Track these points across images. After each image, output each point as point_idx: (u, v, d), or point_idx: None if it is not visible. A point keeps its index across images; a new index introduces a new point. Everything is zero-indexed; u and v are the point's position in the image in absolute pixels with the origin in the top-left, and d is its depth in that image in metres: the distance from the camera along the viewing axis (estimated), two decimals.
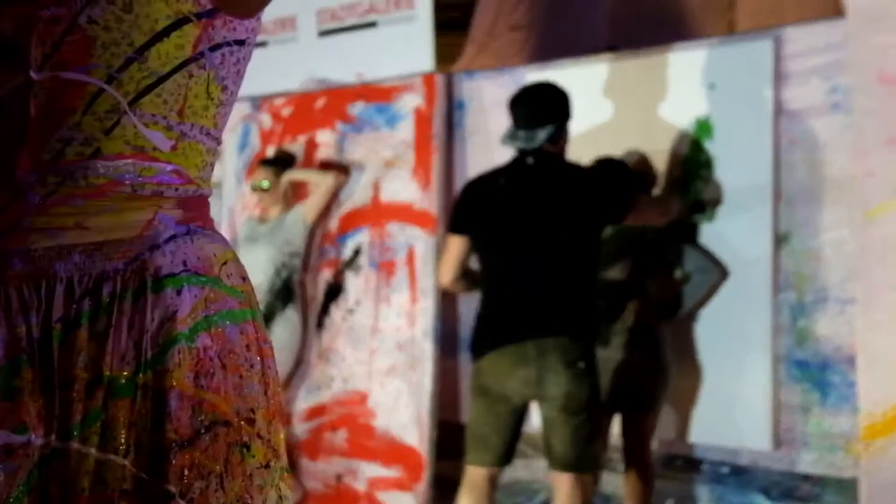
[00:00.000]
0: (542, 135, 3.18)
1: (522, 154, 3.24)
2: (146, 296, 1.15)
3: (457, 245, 3.32)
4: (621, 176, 3.39)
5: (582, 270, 3.18)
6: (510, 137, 3.27)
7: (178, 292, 1.17)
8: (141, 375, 1.13)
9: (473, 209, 3.30)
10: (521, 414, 3.25)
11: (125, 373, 1.13)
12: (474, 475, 3.25)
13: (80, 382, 1.13)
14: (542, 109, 3.21)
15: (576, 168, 3.30)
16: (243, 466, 1.17)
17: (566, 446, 3.12)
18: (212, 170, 1.28)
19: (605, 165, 3.49)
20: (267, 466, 1.20)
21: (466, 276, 3.42)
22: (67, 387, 1.13)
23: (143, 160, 1.17)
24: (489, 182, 3.32)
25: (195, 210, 1.24)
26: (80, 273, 1.14)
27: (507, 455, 3.26)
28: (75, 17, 1.11)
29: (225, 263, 1.24)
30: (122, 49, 1.13)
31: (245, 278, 1.27)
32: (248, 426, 1.18)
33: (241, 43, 1.23)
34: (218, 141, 1.26)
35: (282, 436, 1.25)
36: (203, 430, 1.14)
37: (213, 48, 1.19)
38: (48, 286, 1.14)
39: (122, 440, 1.12)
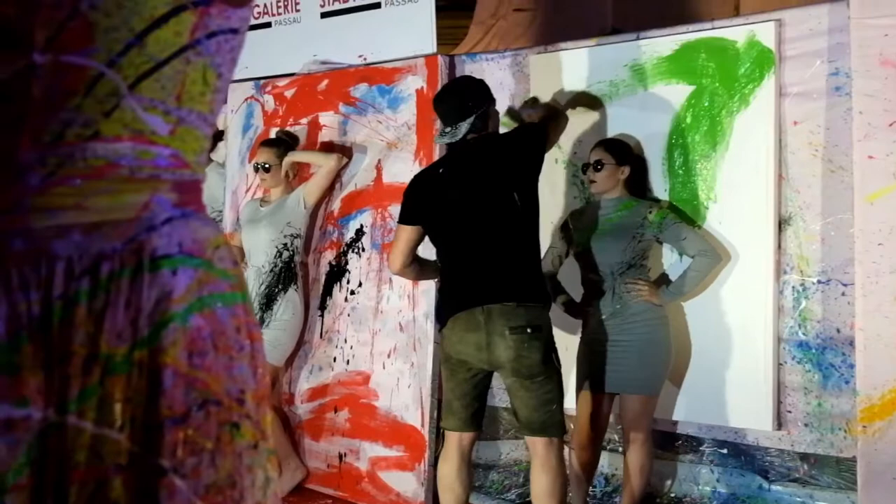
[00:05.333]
0: (463, 127, 3.39)
1: (453, 146, 3.48)
2: (143, 275, 1.18)
3: (406, 234, 3.50)
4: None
5: (523, 238, 3.33)
6: (439, 135, 3.51)
7: (174, 273, 1.19)
8: (137, 352, 1.16)
9: (418, 200, 3.49)
10: (481, 381, 3.41)
11: (121, 350, 1.16)
12: (448, 440, 3.47)
13: (78, 358, 1.15)
14: (459, 105, 3.42)
15: (497, 136, 3.53)
16: (233, 445, 1.20)
17: (528, 410, 3.27)
18: (206, 155, 1.31)
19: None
20: (255, 447, 1.23)
21: (415, 263, 3.58)
22: (65, 362, 1.15)
23: (141, 143, 1.20)
24: (430, 174, 3.56)
25: (190, 194, 1.27)
26: (79, 252, 1.17)
27: (471, 420, 3.43)
28: (78, 2, 1.14)
29: (217, 247, 1.27)
30: (123, 34, 1.16)
31: (235, 262, 1.30)
32: (238, 406, 1.21)
33: (234, 31, 1.27)
34: (213, 126, 1.29)
35: (269, 418, 1.28)
36: (196, 408, 1.17)
37: (209, 35, 1.23)
38: (48, 264, 1.16)
39: (118, 415, 1.15)
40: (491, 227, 3.30)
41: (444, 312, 3.41)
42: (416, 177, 3.62)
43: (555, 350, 3.31)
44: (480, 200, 3.32)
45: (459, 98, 3.44)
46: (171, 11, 1.17)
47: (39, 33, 1.14)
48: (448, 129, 3.42)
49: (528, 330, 3.19)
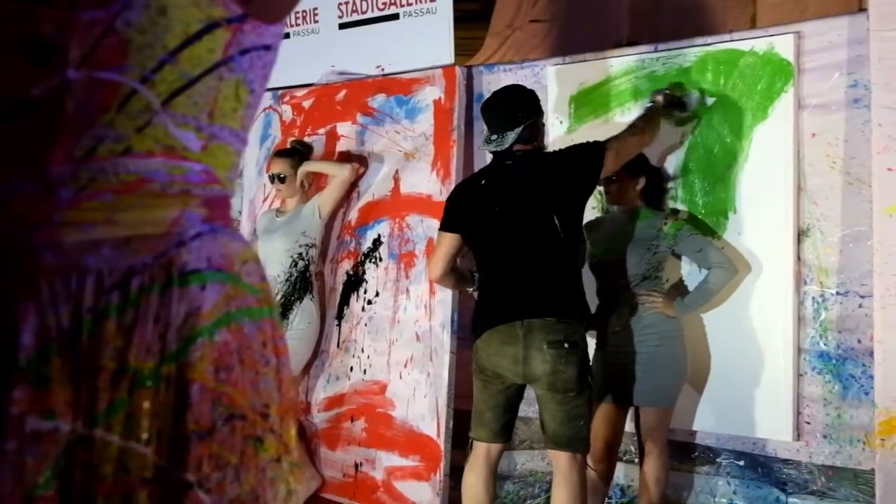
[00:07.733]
0: (511, 137, 3.35)
1: (498, 156, 3.43)
2: (172, 290, 1.19)
3: (446, 242, 3.51)
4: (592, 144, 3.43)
5: (564, 254, 3.30)
6: (485, 142, 3.47)
7: (203, 288, 1.20)
8: (165, 367, 1.17)
9: (458, 209, 3.49)
10: (514, 393, 3.41)
11: (150, 364, 1.17)
12: (476, 450, 3.44)
13: (107, 372, 1.16)
14: (508, 114, 3.38)
15: (547, 154, 3.46)
16: (257, 460, 1.21)
17: (556, 424, 3.25)
18: (237, 170, 1.32)
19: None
20: (278, 461, 1.24)
21: (455, 272, 3.61)
22: (94, 376, 1.16)
23: (172, 159, 1.20)
24: (472, 183, 3.53)
25: (219, 209, 1.28)
26: (109, 266, 1.18)
27: (502, 432, 3.42)
28: (113, 19, 1.15)
29: (245, 262, 1.28)
30: (156, 51, 1.16)
31: (263, 277, 1.31)
32: (263, 421, 1.22)
33: (267, 48, 1.27)
34: (244, 142, 1.30)
35: (293, 432, 1.29)
36: (221, 422, 1.18)
37: (243, 52, 1.23)
38: (78, 278, 1.17)
39: (145, 429, 1.15)
40: (530, 246, 3.28)
41: (481, 325, 3.37)
42: (458, 185, 3.62)
43: (589, 367, 3.29)
44: (519, 219, 3.29)
45: (509, 107, 3.40)
46: (204, 28, 1.18)
47: (74, 50, 1.15)
48: (495, 137, 3.39)
49: (566, 345, 3.19)
